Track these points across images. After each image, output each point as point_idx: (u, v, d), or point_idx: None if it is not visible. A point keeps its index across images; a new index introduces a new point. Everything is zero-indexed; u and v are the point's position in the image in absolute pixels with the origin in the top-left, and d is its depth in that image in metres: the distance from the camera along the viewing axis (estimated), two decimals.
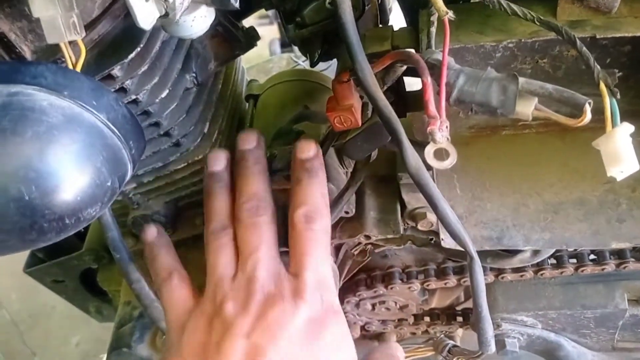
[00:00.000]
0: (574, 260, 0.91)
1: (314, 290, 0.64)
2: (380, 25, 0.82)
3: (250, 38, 0.88)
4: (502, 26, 0.67)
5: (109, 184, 0.53)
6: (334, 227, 0.92)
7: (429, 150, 0.55)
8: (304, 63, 1.52)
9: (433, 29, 0.64)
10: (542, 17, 0.61)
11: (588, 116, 0.52)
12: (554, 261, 0.92)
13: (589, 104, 0.53)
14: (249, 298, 0.64)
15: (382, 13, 0.91)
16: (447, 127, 0.55)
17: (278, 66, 1.47)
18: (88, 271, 1.18)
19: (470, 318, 1.07)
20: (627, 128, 0.54)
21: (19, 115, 0.49)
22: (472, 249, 0.69)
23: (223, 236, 0.70)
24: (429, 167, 0.61)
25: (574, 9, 0.66)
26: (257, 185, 0.71)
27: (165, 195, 0.92)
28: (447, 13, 0.61)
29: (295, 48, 1.43)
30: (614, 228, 0.75)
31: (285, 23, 0.88)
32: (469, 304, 1.10)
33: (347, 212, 0.90)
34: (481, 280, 0.71)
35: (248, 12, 0.89)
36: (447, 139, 0.55)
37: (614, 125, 0.55)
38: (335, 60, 0.90)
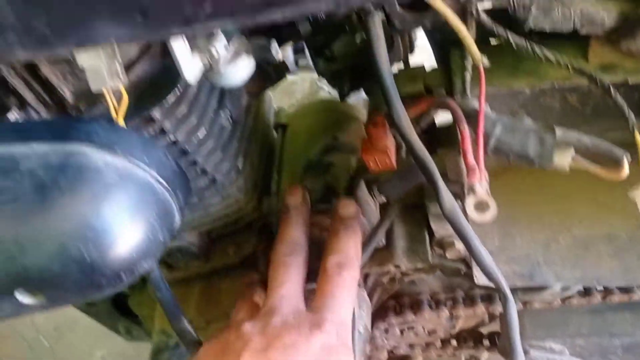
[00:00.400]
0: (602, 289, 0.92)
1: (331, 324, 0.67)
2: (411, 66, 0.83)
3: (280, 72, 0.90)
4: (534, 69, 0.69)
5: (160, 238, 0.55)
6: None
7: (470, 203, 0.56)
8: (327, 87, 1.54)
9: (468, 75, 0.65)
10: (575, 64, 0.62)
11: (626, 170, 0.53)
12: (582, 289, 0.93)
13: (627, 157, 0.54)
14: (267, 323, 0.68)
15: (410, 44, 0.93)
16: (486, 178, 0.57)
17: (302, 88, 1.49)
18: (120, 293, 1.20)
19: (497, 342, 1.08)
20: None
21: (76, 175, 0.51)
22: (506, 288, 0.70)
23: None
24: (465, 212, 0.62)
25: (605, 52, 0.67)
26: (294, 233, 0.76)
27: (199, 227, 0.94)
28: (482, 60, 0.63)
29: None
30: None
31: (314, 56, 0.89)
32: (494, 326, 1.11)
33: (378, 244, 0.91)
34: (515, 317, 0.72)
35: (281, 45, 0.90)
36: (487, 191, 0.56)
37: None
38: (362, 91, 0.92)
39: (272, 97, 1.09)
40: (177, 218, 0.59)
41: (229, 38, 0.63)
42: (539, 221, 0.81)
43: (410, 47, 0.92)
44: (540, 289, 0.85)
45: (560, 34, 0.67)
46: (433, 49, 0.84)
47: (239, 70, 0.64)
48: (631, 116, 0.58)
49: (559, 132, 0.57)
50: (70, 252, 0.49)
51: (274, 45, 0.61)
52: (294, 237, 0.76)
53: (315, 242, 0.85)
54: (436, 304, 1.01)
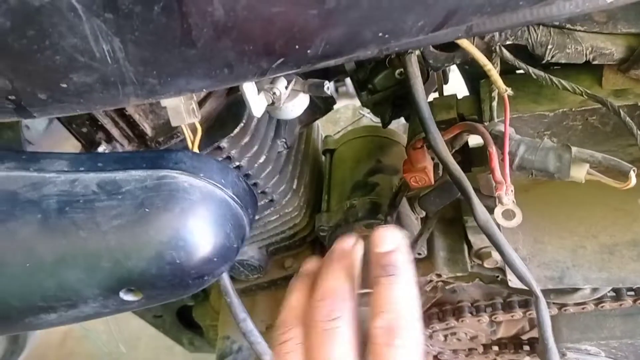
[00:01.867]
0: (632, 293, 0.98)
1: None
2: (445, 94, 0.93)
3: (328, 103, 1.01)
4: (555, 95, 0.78)
5: (235, 245, 0.66)
6: None
7: (498, 211, 0.65)
8: (369, 114, 1.65)
9: (494, 104, 0.75)
10: (589, 91, 0.71)
11: (633, 181, 0.62)
12: (613, 294, 0.99)
13: (634, 171, 0.62)
14: None
15: (445, 75, 1.03)
16: (512, 190, 0.66)
17: (345, 116, 1.60)
18: (184, 307, 1.32)
19: (536, 348, 1.15)
20: None
21: (168, 195, 0.63)
22: (537, 289, 0.79)
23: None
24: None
25: (617, 79, 0.75)
26: (336, 282, 0.56)
27: (259, 242, 1.05)
28: (506, 91, 0.73)
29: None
30: None
31: (358, 89, 1.00)
32: (533, 333, 1.18)
33: (419, 254, 1.01)
34: (547, 316, 0.80)
35: (329, 80, 1.02)
36: (513, 201, 0.65)
37: None
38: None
39: (320, 125, 1.21)
40: (248, 230, 0.70)
41: (289, 79, 0.74)
42: (566, 229, 0.89)
43: (444, 79, 1.03)
44: (571, 291, 0.92)
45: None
46: (465, 81, 0.94)
47: (296, 106, 0.75)
48: (639, 135, 0.66)
49: (574, 149, 0.66)
50: (165, 257, 0.61)
51: (327, 84, 0.72)
52: (335, 289, 0.56)
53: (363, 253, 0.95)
54: (476, 310, 1.09)
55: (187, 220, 0.63)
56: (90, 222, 0.62)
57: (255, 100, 0.70)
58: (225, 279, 0.86)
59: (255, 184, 0.91)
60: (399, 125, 1.14)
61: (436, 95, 0.94)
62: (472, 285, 1.10)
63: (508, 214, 0.65)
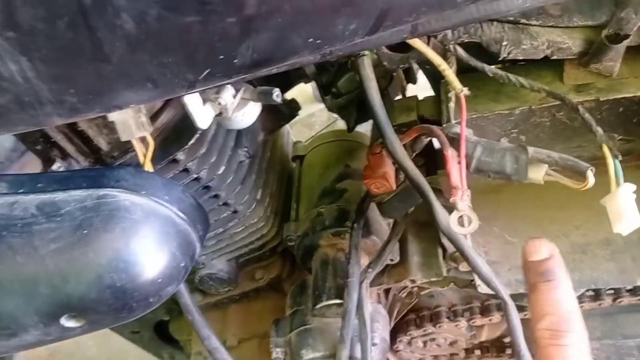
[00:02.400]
0: (611, 292, 0.96)
1: None
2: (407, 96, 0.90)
3: (292, 109, 0.99)
4: (515, 93, 0.75)
5: (182, 264, 0.64)
6: (380, 273, 1.01)
7: (453, 218, 0.63)
8: None
9: (452, 104, 0.72)
10: (546, 88, 0.68)
11: (591, 181, 0.59)
12: (592, 293, 0.97)
13: (591, 170, 0.59)
14: None
15: (411, 75, 1.00)
16: (468, 195, 0.63)
17: (320, 120, 1.57)
18: (161, 322, 1.29)
19: None
20: (629, 187, 0.61)
21: (107, 215, 0.60)
22: (505, 294, 0.76)
23: None
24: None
25: (578, 73, 0.73)
26: (555, 306, 0.57)
27: (227, 254, 1.02)
28: (462, 90, 0.70)
29: None
30: (638, 265, 0.80)
31: (323, 94, 0.98)
32: None
33: (392, 260, 0.98)
34: (517, 321, 0.77)
35: (289, 87, 0.99)
36: (469, 206, 0.63)
37: (617, 185, 0.61)
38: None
39: (289, 130, 1.18)
40: (198, 246, 0.67)
41: (237, 88, 0.72)
42: (538, 230, 0.87)
43: (412, 79, 1.00)
44: None
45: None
46: (429, 81, 0.92)
47: (246, 115, 0.72)
48: (599, 131, 0.64)
49: (530, 150, 0.63)
50: (105, 280, 0.58)
51: (276, 91, 0.69)
52: (556, 311, 0.57)
53: (332, 261, 0.92)
54: (454, 315, 1.06)
55: (127, 240, 0.60)
56: (27, 247, 0.59)
57: (200, 112, 0.67)
58: (186, 296, 0.83)
59: (216, 196, 0.89)
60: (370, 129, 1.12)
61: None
62: (449, 289, 1.07)
63: (463, 220, 0.63)
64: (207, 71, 0.49)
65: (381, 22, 0.50)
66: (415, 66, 0.96)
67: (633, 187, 0.61)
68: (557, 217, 0.87)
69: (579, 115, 0.66)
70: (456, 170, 0.65)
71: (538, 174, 0.63)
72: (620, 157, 0.63)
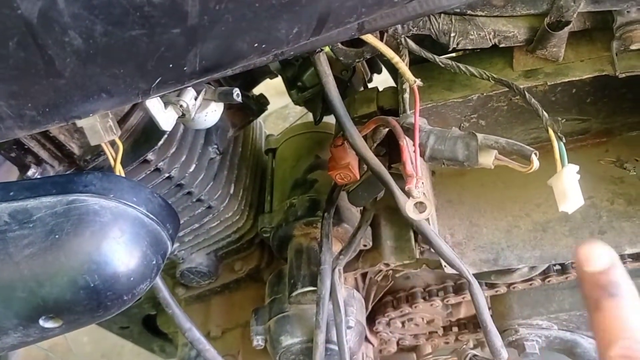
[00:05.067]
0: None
1: None
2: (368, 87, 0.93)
3: (261, 104, 1.01)
4: (468, 81, 0.78)
5: (154, 262, 0.66)
6: (355, 259, 1.04)
7: (409, 205, 0.65)
8: None
9: (406, 95, 0.75)
10: (495, 75, 0.71)
11: (535, 165, 0.62)
12: (559, 267, 1.00)
13: (535, 154, 0.63)
14: None
15: (376, 66, 1.03)
16: (423, 183, 0.66)
17: (294, 112, 1.59)
18: (149, 316, 1.32)
19: None
20: (573, 168, 0.64)
21: (77, 220, 0.63)
22: (469, 274, 0.80)
23: None
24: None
25: (527, 59, 0.76)
26: (625, 326, 0.49)
27: (205, 248, 1.05)
28: (415, 82, 0.73)
29: None
30: (596, 239, 0.84)
31: (289, 88, 1.00)
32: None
33: (365, 245, 1.01)
34: (482, 300, 0.81)
35: (255, 84, 1.02)
36: (424, 193, 0.66)
37: (562, 165, 0.64)
38: None
39: (262, 124, 1.20)
40: (169, 244, 0.70)
41: (198, 89, 0.74)
42: (501, 210, 0.90)
43: (377, 70, 1.03)
44: (509, 271, 0.93)
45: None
46: (388, 71, 0.95)
47: (209, 115, 0.75)
48: (544, 115, 0.67)
49: (480, 136, 0.66)
50: (78, 282, 0.61)
51: (236, 91, 0.71)
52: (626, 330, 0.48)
53: (305, 250, 0.95)
54: (429, 295, 1.10)
55: (98, 243, 0.63)
56: (2, 254, 0.62)
57: (162, 115, 0.70)
58: (164, 291, 0.86)
59: (189, 193, 0.91)
60: None
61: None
62: (424, 270, 1.10)
63: (419, 207, 0.66)
64: (158, 79, 0.52)
65: (323, 24, 0.53)
66: None
67: (576, 167, 0.64)
68: (519, 196, 0.91)
69: (525, 100, 0.68)
70: (411, 160, 0.68)
71: (488, 159, 0.66)
72: (564, 140, 0.66)
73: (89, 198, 0.64)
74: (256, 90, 1.03)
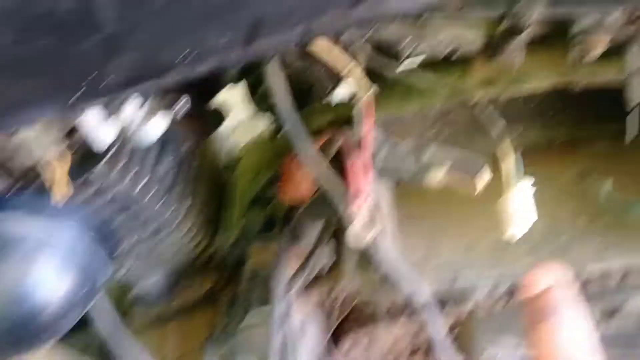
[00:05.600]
0: None
1: None
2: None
3: (219, 116, 0.98)
4: (425, 91, 0.75)
5: (85, 289, 0.63)
6: (317, 278, 1.01)
7: (355, 224, 0.63)
8: None
9: (360, 106, 0.72)
10: (449, 85, 0.69)
11: (485, 179, 0.60)
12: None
13: (484, 171, 0.60)
14: None
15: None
16: (370, 201, 0.63)
17: (263, 123, 1.54)
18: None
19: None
20: (526, 184, 0.61)
21: (3, 244, 0.59)
22: (420, 293, 0.77)
23: None
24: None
25: (484, 68, 0.73)
26: (556, 350, 0.51)
27: (160, 267, 1.01)
28: (368, 92, 0.70)
29: None
30: (556, 258, 0.81)
31: (252, 95, 0.97)
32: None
33: (326, 264, 0.98)
34: (433, 317, 0.78)
35: (216, 92, 0.98)
36: (370, 213, 0.63)
37: (514, 184, 0.62)
38: None
39: (227, 136, 1.17)
40: (105, 268, 0.66)
41: (142, 101, 0.71)
42: (461, 227, 0.87)
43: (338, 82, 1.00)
44: (468, 291, 0.90)
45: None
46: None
47: (153, 128, 0.71)
48: (495, 130, 0.64)
49: (429, 151, 0.63)
50: (4, 311, 0.57)
51: (180, 102, 0.68)
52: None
53: (261, 271, 0.92)
54: (395, 313, 1.06)
55: (26, 268, 0.59)
56: None
57: (98, 131, 0.66)
58: (105, 320, 0.82)
59: (140, 209, 0.87)
60: None
61: None
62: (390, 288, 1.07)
63: (365, 227, 0.63)
64: (81, 91, 0.49)
65: (257, 32, 0.50)
66: None
67: (529, 183, 0.61)
68: (482, 212, 0.87)
69: (479, 112, 0.66)
70: (359, 176, 0.65)
71: (437, 174, 0.64)
72: (517, 155, 0.63)
73: (19, 220, 0.61)
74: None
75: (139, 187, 0.84)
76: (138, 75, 0.50)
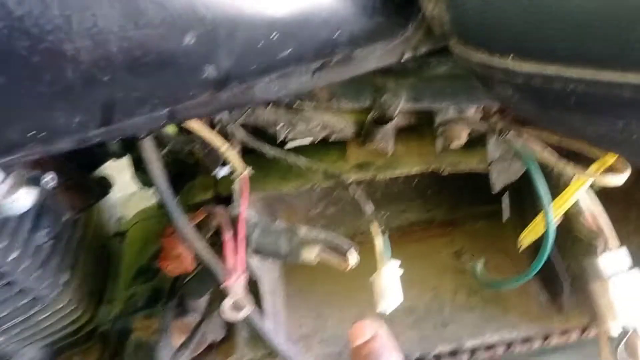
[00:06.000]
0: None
1: None
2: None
3: (103, 187, 0.95)
4: (303, 171, 0.76)
5: None
6: (208, 351, 0.98)
7: (227, 302, 0.61)
8: None
9: (237, 185, 0.72)
10: (323, 168, 0.70)
11: (351, 263, 0.60)
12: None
13: (354, 250, 0.61)
14: None
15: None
16: (243, 278, 0.62)
17: (151, 195, 1.52)
18: None
19: None
20: (394, 264, 0.62)
21: None
22: None
23: None
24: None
25: (360, 153, 0.75)
26: None
27: (38, 342, 0.95)
28: (243, 171, 0.70)
29: None
30: (439, 332, 0.83)
31: (135, 169, 0.95)
32: None
33: (215, 339, 0.95)
34: None
35: (98, 165, 0.96)
36: (243, 290, 0.62)
37: (384, 262, 0.63)
38: None
39: (115, 205, 1.14)
40: None
41: (6, 173, 0.67)
42: (349, 299, 0.88)
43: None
44: None
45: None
46: None
47: (17, 201, 0.68)
48: (367, 209, 0.66)
49: (302, 230, 0.64)
50: None
51: (46, 177, 0.66)
52: None
53: (144, 345, 0.88)
54: None
55: None
56: None
57: None
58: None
59: (9, 283, 0.82)
60: None
61: None
62: None
63: (238, 305, 0.62)
64: None
65: (111, 115, 0.49)
66: None
67: (397, 263, 0.63)
68: (367, 285, 0.89)
69: (350, 193, 0.67)
70: (232, 254, 0.64)
71: (311, 254, 0.64)
72: (387, 234, 0.64)
73: None
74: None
75: (8, 260, 0.79)
76: None
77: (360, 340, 0.57)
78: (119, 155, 0.95)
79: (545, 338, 0.91)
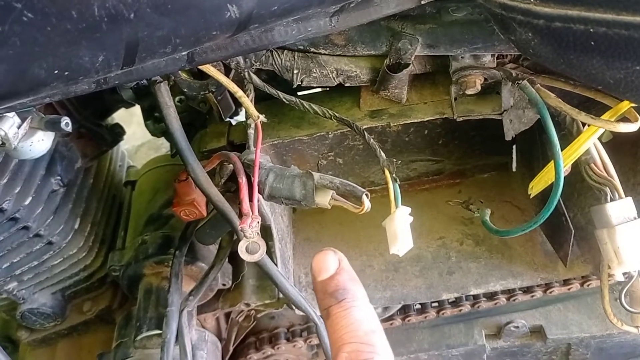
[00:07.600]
0: (436, 304, 1.00)
1: None
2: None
3: (116, 134, 0.96)
4: (316, 119, 0.77)
5: None
6: (216, 298, 1.00)
7: (242, 245, 0.63)
8: None
9: (251, 131, 0.72)
10: (337, 115, 0.71)
11: (366, 206, 0.61)
12: (419, 306, 1.00)
13: (366, 195, 0.62)
14: None
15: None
16: (258, 222, 0.63)
17: (167, 142, 1.52)
18: None
19: None
20: (405, 210, 0.63)
21: None
22: (315, 317, 0.77)
23: None
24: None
25: (373, 100, 0.76)
26: (352, 330, 0.50)
27: (49, 287, 0.97)
28: (258, 117, 0.71)
29: None
30: (444, 280, 0.84)
31: (145, 119, 0.95)
32: None
33: (224, 285, 0.97)
34: (327, 341, 0.79)
35: (109, 113, 0.96)
36: (258, 233, 0.63)
37: (396, 207, 0.64)
38: None
39: (125, 154, 1.15)
40: None
41: (22, 117, 0.68)
42: (357, 249, 0.89)
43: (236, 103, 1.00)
44: None
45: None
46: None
47: (35, 145, 0.69)
48: (382, 156, 0.66)
49: (316, 176, 0.64)
50: None
51: (64, 120, 0.66)
52: (358, 333, 0.50)
53: (155, 291, 0.90)
54: (292, 335, 1.06)
55: None
56: None
57: None
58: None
59: (25, 227, 0.84)
60: None
61: None
62: (288, 309, 1.08)
63: (251, 247, 0.63)
64: None
65: (134, 54, 0.50)
66: None
67: (408, 209, 0.64)
68: (374, 235, 0.90)
69: (364, 141, 0.68)
70: (248, 198, 0.65)
71: (324, 199, 0.65)
72: (399, 182, 0.65)
73: None
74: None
75: (23, 205, 0.80)
76: (6, 92, 0.48)
77: (324, 275, 0.54)
78: (129, 104, 0.96)
79: (547, 288, 0.93)
